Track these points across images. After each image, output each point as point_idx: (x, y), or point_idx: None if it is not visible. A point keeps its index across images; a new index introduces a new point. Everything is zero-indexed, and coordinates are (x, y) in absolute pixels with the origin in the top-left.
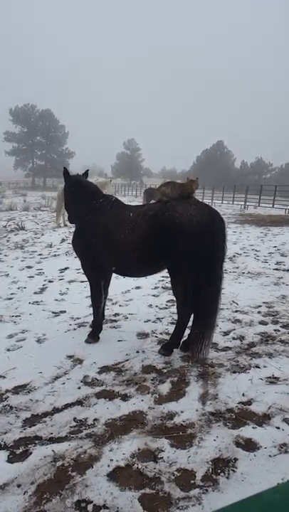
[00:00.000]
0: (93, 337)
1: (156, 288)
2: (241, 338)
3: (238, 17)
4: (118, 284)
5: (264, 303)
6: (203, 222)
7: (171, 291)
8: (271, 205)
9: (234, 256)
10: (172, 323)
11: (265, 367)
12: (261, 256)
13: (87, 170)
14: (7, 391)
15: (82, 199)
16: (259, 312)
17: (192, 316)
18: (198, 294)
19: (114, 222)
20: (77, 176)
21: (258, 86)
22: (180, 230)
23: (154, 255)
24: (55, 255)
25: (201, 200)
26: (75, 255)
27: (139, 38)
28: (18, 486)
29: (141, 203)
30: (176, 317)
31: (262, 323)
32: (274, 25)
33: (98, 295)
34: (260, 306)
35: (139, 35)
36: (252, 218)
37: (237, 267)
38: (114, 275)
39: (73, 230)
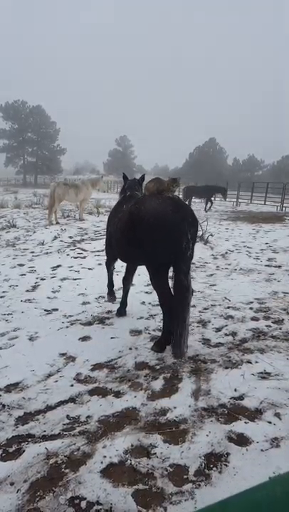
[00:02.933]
0: (109, 294)
1: (148, 285)
2: (233, 334)
3: (235, 18)
4: None
5: (256, 299)
6: (164, 216)
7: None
8: (263, 202)
9: (226, 253)
10: None
11: (256, 362)
12: (253, 253)
13: (144, 174)
14: None
15: (120, 193)
16: (251, 308)
17: None
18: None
19: (116, 212)
20: (129, 180)
21: (249, 85)
22: (143, 222)
23: (134, 245)
24: (47, 253)
25: (176, 195)
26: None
27: (133, 39)
28: (11, 484)
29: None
30: None
31: (254, 319)
32: (267, 25)
33: (108, 269)
34: (252, 302)
35: (132, 36)
36: (244, 215)
37: (229, 264)
38: (106, 273)
39: (65, 228)
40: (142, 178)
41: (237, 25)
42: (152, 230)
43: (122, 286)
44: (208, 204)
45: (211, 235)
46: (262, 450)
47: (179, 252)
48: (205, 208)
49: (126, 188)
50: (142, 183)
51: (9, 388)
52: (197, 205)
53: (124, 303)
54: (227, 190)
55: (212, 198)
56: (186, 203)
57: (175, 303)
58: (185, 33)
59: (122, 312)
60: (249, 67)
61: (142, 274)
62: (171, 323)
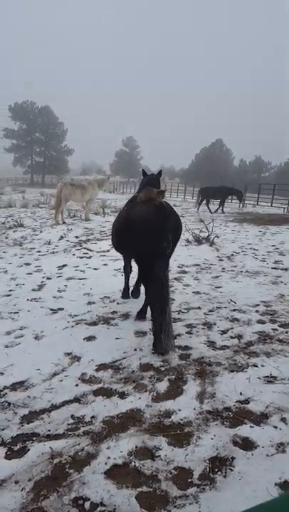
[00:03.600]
0: (123, 296)
1: None
2: (239, 336)
3: (236, 19)
4: (116, 282)
5: (262, 302)
6: (146, 220)
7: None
8: (270, 204)
9: (232, 254)
10: None
11: (262, 366)
12: (259, 255)
13: (161, 170)
14: (5, 388)
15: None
16: (257, 311)
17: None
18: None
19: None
20: (148, 176)
21: (255, 86)
22: (132, 225)
23: (126, 242)
24: (53, 252)
25: (164, 202)
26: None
27: (138, 38)
28: (16, 482)
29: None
30: (174, 315)
31: (260, 322)
32: (269, 23)
33: (125, 267)
34: (258, 304)
35: (137, 35)
36: (250, 217)
37: (235, 266)
38: (111, 274)
39: (71, 227)
40: (160, 173)
41: (241, 22)
42: (138, 231)
43: (121, 288)
44: (222, 205)
45: (217, 237)
46: (267, 455)
47: (158, 251)
48: (217, 209)
49: (143, 185)
50: (160, 177)
51: (15, 387)
52: (202, 206)
53: (127, 287)
54: (243, 193)
55: (227, 200)
56: (202, 204)
57: (154, 298)
58: (188, 32)
59: (125, 296)
60: (255, 67)
61: None
62: (153, 319)
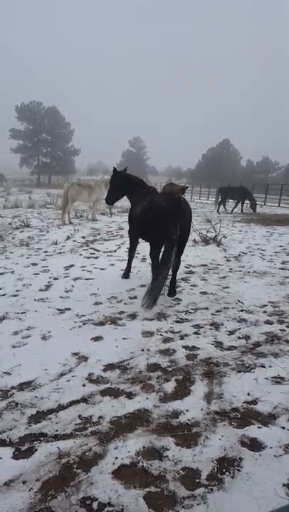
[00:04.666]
0: (125, 275)
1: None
2: (247, 337)
3: (241, 15)
4: (123, 282)
5: (270, 302)
6: (161, 209)
7: (176, 289)
8: (277, 205)
9: (240, 255)
10: (177, 321)
11: (270, 366)
12: (267, 255)
13: (126, 167)
14: (12, 388)
15: (132, 188)
16: (265, 312)
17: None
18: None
19: (143, 203)
20: (117, 172)
21: (261, 86)
22: (150, 211)
23: (148, 225)
24: (60, 253)
25: (182, 196)
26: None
27: (141, 37)
28: (24, 482)
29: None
30: (181, 315)
31: (267, 322)
32: (277, 23)
33: (131, 251)
34: (265, 305)
35: (140, 33)
36: (257, 217)
37: (242, 266)
38: (118, 274)
39: (78, 228)
40: (125, 169)
41: (242, 20)
42: (154, 217)
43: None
44: (241, 205)
45: (224, 237)
46: (275, 456)
47: (167, 235)
48: (234, 209)
49: (117, 179)
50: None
51: (22, 387)
52: (210, 206)
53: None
54: (256, 202)
55: (245, 201)
56: (220, 203)
57: (159, 268)
58: (189, 32)
59: (127, 276)
60: (261, 66)
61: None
62: (152, 283)
